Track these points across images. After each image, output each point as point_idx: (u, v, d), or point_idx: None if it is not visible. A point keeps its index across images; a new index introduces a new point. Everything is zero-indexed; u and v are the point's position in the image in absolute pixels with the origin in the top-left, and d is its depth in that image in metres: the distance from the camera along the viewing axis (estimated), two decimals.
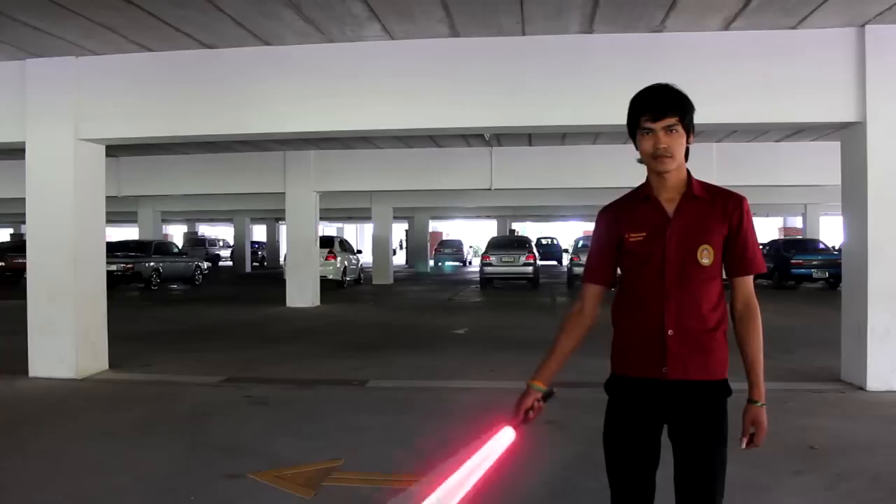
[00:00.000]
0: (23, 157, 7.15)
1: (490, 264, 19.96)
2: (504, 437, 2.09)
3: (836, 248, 18.94)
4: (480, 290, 19.84)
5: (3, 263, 20.63)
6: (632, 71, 6.28)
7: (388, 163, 14.17)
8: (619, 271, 2.22)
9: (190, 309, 14.85)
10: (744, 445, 2.10)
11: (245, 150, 14.28)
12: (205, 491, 3.90)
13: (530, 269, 19.94)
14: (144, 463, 4.38)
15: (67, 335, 7.00)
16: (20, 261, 18.72)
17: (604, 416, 2.20)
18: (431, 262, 32.84)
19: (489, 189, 14.54)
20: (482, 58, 6.61)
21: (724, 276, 2.15)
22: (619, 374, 2.17)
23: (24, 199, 7.20)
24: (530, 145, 13.72)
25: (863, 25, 6.12)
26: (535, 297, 17.54)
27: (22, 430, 5.24)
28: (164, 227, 29.97)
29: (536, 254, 20.75)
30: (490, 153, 13.97)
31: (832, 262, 17.83)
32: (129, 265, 18.43)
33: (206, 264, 24.33)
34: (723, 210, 2.09)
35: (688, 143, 2.09)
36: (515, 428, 2.10)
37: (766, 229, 36.42)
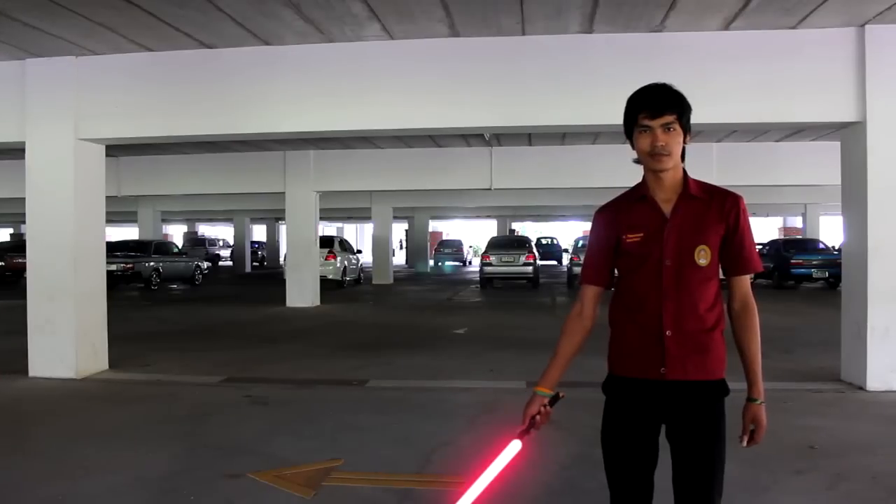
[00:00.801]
0: (23, 157, 7.15)
1: (490, 264, 19.97)
2: (511, 450, 2.11)
3: (836, 248, 18.94)
4: (480, 290, 19.84)
5: (3, 263, 20.63)
6: (631, 71, 6.29)
7: (388, 163, 14.17)
8: (616, 272, 2.21)
9: (190, 309, 14.85)
10: (744, 443, 2.10)
11: (245, 150, 14.29)
12: (205, 491, 3.90)
13: (530, 268, 19.94)
14: (144, 463, 4.37)
15: (67, 335, 7.00)
16: (20, 261, 18.73)
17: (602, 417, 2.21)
18: (431, 262, 32.85)
19: (489, 189, 14.54)
20: (482, 58, 6.61)
21: (722, 276, 2.15)
22: (617, 375, 2.16)
23: (24, 199, 7.20)
24: (530, 145, 13.72)
25: (863, 25, 6.12)
26: (535, 297, 17.54)
27: (22, 430, 5.24)
28: (164, 227, 29.98)
29: (536, 254, 20.75)
30: (490, 153, 13.97)
31: (832, 262, 17.83)
32: (129, 265, 18.44)
33: (206, 264, 24.34)
34: (720, 210, 2.08)
35: (685, 142, 2.09)
36: (521, 437, 2.12)
37: (766, 229, 36.41)
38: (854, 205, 6.55)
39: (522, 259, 19.98)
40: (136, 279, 18.87)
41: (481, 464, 2.11)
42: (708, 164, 12.72)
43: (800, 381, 6.75)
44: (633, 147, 2.11)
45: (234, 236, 33.17)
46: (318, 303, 14.88)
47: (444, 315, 13.39)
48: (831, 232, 25.94)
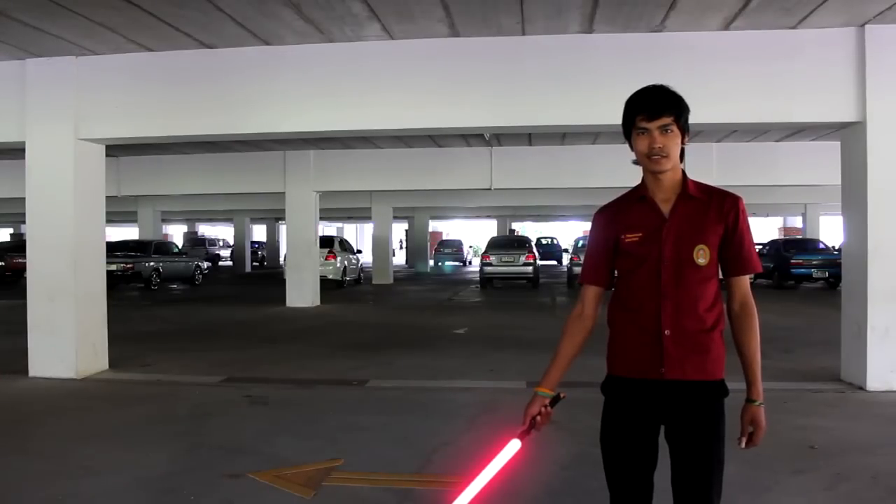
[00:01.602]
0: (23, 157, 7.15)
1: (490, 264, 19.97)
2: (510, 450, 2.12)
3: (836, 248, 18.94)
4: (480, 290, 19.84)
5: (3, 263, 20.63)
6: (632, 71, 6.29)
7: (388, 163, 14.17)
8: (615, 272, 2.22)
9: (190, 309, 14.85)
10: (743, 445, 2.10)
11: (245, 150, 14.29)
12: (205, 491, 3.90)
13: (530, 268, 19.94)
14: (144, 463, 4.37)
15: (67, 335, 7.00)
16: (20, 261, 18.73)
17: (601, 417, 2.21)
18: (431, 262, 32.85)
19: (489, 189, 14.54)
20: (482, 58, 6.61)
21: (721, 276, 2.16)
22: (616, 376, 2.16)
23: (24, 199, 7.20)
24: (530, 145, 13.72)
25: (863, 25, 6.12)
26: (535, 297, 17.54)
27: (22, 430, 5.24)
28: (164, 226, 29.98)
29: (536, 254, 20.75)
30: (490, 153, 13.97)
31: (832, 262, 17.83)
32: (129, 265, 18.44)
33: (206, 264, 24.35)
34: (718, 210, 2.09)
35: (683, 143, 2.09)
36: (522, 438, 2.12)
37: (766, 229, 36.42)
38: (854, 205, 6.55)
39: (522, 259, 19.98)
40: (136, 279, 18.87)
41: (481, 463, 2.12)
42: (708, 164, 12.73)
43: (800, 381, 6.75)
44: (632, 148, 2.12)
45: (234, 236, 33.17)
46: (318, 303, 14.88)
47: (445, 315, 13.39)
48: (831, 232, 25.94)
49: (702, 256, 2.05)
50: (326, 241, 18.87)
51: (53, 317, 7.03)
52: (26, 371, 7.01)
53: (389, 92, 6.76)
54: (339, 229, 45.09)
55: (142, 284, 19.23)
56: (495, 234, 26.79)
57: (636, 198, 2.16)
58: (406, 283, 23.35)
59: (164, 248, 20.91)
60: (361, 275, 22.79)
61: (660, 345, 2.05)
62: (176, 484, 4.00)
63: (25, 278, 7.78)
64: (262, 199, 21.01)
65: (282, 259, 20.98)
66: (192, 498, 3.80)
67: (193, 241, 36.92)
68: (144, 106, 7.06)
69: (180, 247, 24.45)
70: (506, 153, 13.94)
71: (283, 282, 15.15)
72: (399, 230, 40.73)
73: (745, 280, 2.13)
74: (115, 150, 12.60)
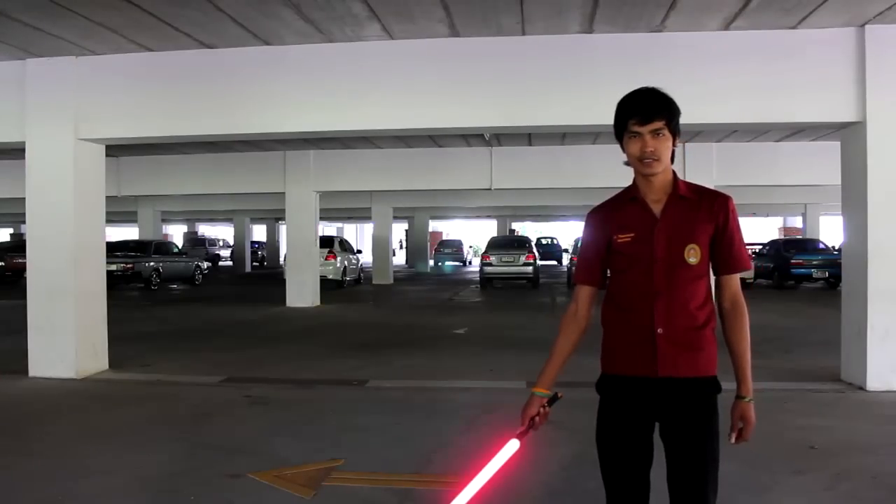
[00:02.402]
0: (23, 157, 7.15)
1: (490, 264, 19.97)
2: (509, 450, 2.14)
3: (836, 248, 18.94)
4: (480, 290, 19.84)
5: (3, 263, 20.64)
6: (632, 71, 6.28)
7: (388, 163, 14.17)
8: (608, 272, 2.25)
9: (190, 309, 14.85)
10: (733, 440, 2.13)
11: (245, 150, 14.29)
12: (205, 491, 3.90)
13: (530, 268, 19.95)
14: (145, 463, 4.37)
15: (67, 335, 7.00)
16: (20, 261, 18.73)
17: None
18: (431, 262, 32.84)
19: (489, 189, 14.54)
20: (482, 58, 6.60)
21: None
22: (610, 374, 2.19)
23: (24, 199, 7.20)
24: (530, 145, 13.72)
25: (863, 25, 6.12)
26: (535, 297, 17.54)
27: (22, 430, 5.24)
28: (164, 227, 29.98)
29: (536, 254, 20.75)
30: (490, 153, 13.97)
31: (832, 262, 17.82)
32: (129, 265, 18.44)
33: (206, 264, 24.35)
34: (709, 210, 2.12)
35: (674, 146, 2.12)
36: (521, 438, 2.15)
37: (766, 229, 36.42)
38: (854, 205, 6.55)
39: (522, 259, 19.98)
40: (136, 279, 18.88)
41: (480, 463, 2.12)
42: (708, 164, 12.71)
43: (800, 381, 6.76)
44: (623, 150, 2.15)
45: (234, 236, 33.19)
46: (318, 303, 14.88)
47: (445, 315, 13.39)
48: (831, 232, 25.94)
49: (693, 256, 2.08)
50: (326, 242, 18.87)
51: (53, 317, 7.03)
52: (26, 371, 7.01)
53: (389, 92, 6.76)
54: (339, 229, 45.10)
55: (142, 284, 19.23)
56: (495, 234, 26.79)
57: (628, 198, 2.19)
58: (406, 283, 23.35)
59: (164, 248, 20.91)
60: (361, 275, 22.79)
61: (653, 343, 2.08)
62: (176, 484, 4.00)
63: (25, 278, 7.78)
64: (262, 199, 21.01)
65: (282, 259, 20.98)
66: (192, 498, 3.80)
67: (193, 241, 36.92)
68: (144, 106, 7.05)
69: (180, 247, 24.44)
70: (506, 153, 13.94)
71: (283, 282, 15.16)
72: (399, 230, 40.72)
73: (736, 278, 2.16)
74: (115, 150, 12.60)
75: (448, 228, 48.53)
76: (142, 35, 6.46)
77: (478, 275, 21.42)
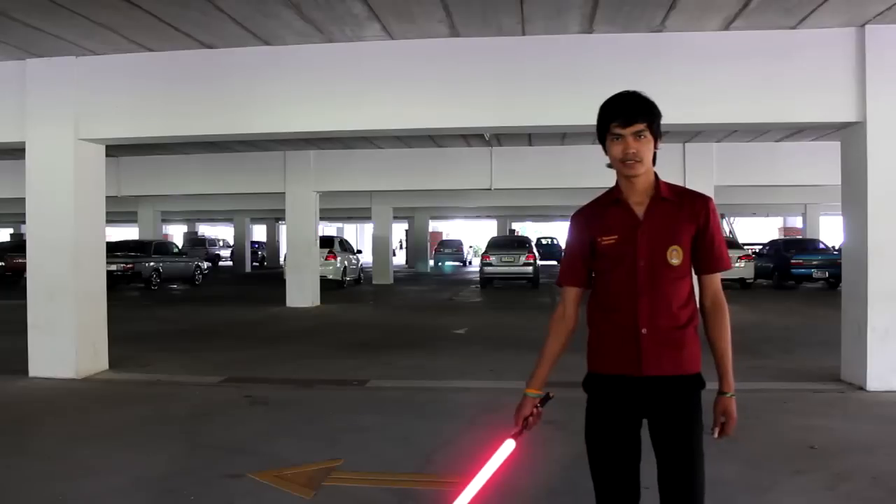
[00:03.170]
0: (23, 157, 7.15)
1: (490, 264, 19.97)
2: (505, 450, 2.17)
3: (836, 248, 18.94)
4: (480, 290, 19.84)
5: (3, 263, 20.63)
6: (631, 71, 6.29)
7: (388, 163, 14.17)
8: (593, 273, 2.28)
9: (190, 309, 14.85)
10: (716, 435, 2.17)
11: (245, 150, 14.29)
12: (205, 491, 3.90)
13: (530, 269, 19.95)
14: (144, 463, 4.38)
15: (67, 335, 7.00)
16: (20, 261, 18.72)
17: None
18: (431, 262, 32.84)
19: (489, 189, 14.53)
20: (482, 58, 6.60)
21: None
22: (596, 372, 2.23)
23: (24, 199, 7.20)
24: (530, 145, 13.72)
25: (863, 25, 6.12)
26: (535, 297, 17.54)
27: (22, 430, 5.24)
28: (164, 227, 29.97)
29: (536, 254, 20.76)
30: (490, 153, 13.97)
31: (832, 262, 17.82)
32: (129, 265, 18.43)
33: (206, 264, 24.33)
34: (690, 211, 2.17)
35: (655, 148, 2.16)
36: (516, 438, 2.19)
37: (766, 229, 36.42)
38: (854, 205, 6.55)
39: (522, 259, 19.99)
40: (136, 279, 18.87)
41: (477, 464, 2.12)
42: (708, 164, 12.71)
43: (800, 381, 6.76)
44: (606, 153, 2.19)
45: (234, 236, 33.18)
46: (318, 303, 14.88)
47: (445, 315, 13.39)
48: (831, 232, 25.94)
49: (675, 256, 2.13)
50: (326, 242, 18.87)
51: (53, 317, 7.03)
52: (26, 371, 7.01)
53: (389, 92, 6.76)
54: (339, 229, 45.09)
55: (142, 284, 19.22)
56: (495, 235, 26.79)
57: (611, 200, 2.23)
58: (406, 283, 23.35)
59: (164, 248, 20.90)
60: (361, 275, 22.78)
61: (637, 342, 2.12)
62: (176, 484, 4.00)
63: (25, 278, 7.78)
64: (262, 199, 21.01)
65: (282, 259, 20.98)
66: (192, 498, 3.80)
67: (193, 241, 36.88)
68: (144, 106, 7.05)
69: (180, 247, 24.43)
70: (506, 153, 13.93)
71: (283, 282, 15.15)
72: (399, 230, 40.71)
73: (717, 277, 2.21)
74: (115, 150, 12.59)
75: (448, 228, 48.52)
76: (142, 35, 6.46)
77: (478, 275, 21.42)
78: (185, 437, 4.96)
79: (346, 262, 20.52)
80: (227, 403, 6.04)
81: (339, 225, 45.86)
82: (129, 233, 31.61)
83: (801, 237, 24.51)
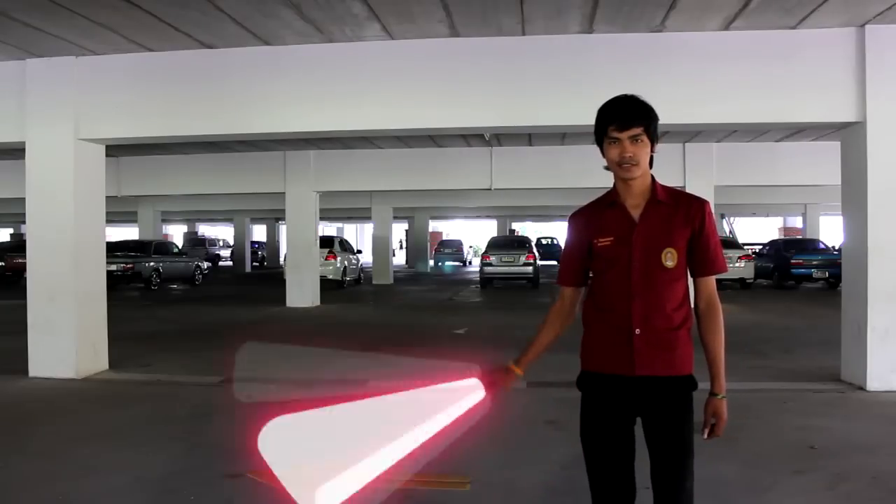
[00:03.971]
0: (23, 157, 7.15)
1: (490, 264, 19.96)
2: (472, 390, 2.21)
3: (836, 248, 18.94)
4: (480, 290, 19.83)
5: (3, 263, 20.62)
6: (631, 71, 6.29)
7: (388, 163, 14.17)
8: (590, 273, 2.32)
9: (190, 309, 14.85)
10: (705, 436, 2.19)
11: (245, 150, 14.28)
12: (205, 491, 3.91)
13: (530, 268, 19.95)
14: (144, 463, 4.38)
15: (67, 335, 7.00)
16: (20, 261, 18.72)
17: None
18: (431, 262, 32.83)
19: (489, 189, 14.53)
20: (482, 58, 6.60)
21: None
22: (589, 371, 2.27)
23: (24, 199, 7.20)
24: (530, 145, 13.72)
25: (863, 25, 6.12)
26: (535, 297, 17.53)
27: (22, 430, 5.24)
28: (164, 227, 29.97)
29: (536, 254, 20.76)
30: (490, 153, 13.97)
31: (832, 262, 17.82)
32: (129, 265, 18.43)
33: (206, 264, 24.33)
34: (685, 214, 2.19)
35: (652, 152, 2.19)
36: (487, 391, 2.25)
37: (766, 229, 36.41)
38: (854, 205, 6.55)
39: (522, 259, 19.98)
40: (136, 279, 18.85)
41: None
42: (708, 164, 12.71)
43: (800, 381, 6.76)
44: (603, 155, 2.22)
45: (234, 236, 33.17)
46: (318, 303, 14.88)
47: (445, 315, 13.38)
48: (831, 232, 25.94)
49: (669, 259, 2.15)
50: (326, 242, 18.86)
51: (53, 317, 7.03)
52: (26, 371, 7.01)
53: (389, 92, 6.76)
54: (339, 229, 45.08)
55: (142, 284, 19.21)
56: (495, 235, 26.78)
57: (607, 203, 2.27)
58: (406, 283, 23.35)
59: (164, 248, 20.89)
60: (361, 275, 22.78)
61: (630, 343, 2.15)
62: (176, 484, 4.00)
63: (25, 278, 7.78)
64: (262, 199, 21.00)
65: (282, 259, 20.98)
66: (192, 498, 3.80)
67: (193, 241, 36.87)
68: (144, 106, 7.05)
69: (180, 247, 24.43)
70: (506, 153, 13.93)
71: (283, 282, 15.14)
72: (399, 230, 40.71)
73: (712, 280, 2.23)
74: (115, 150, 12.60)
75: (448, 228, 48.52)
76: (142, 35, 6.46)
77: (478, 275, 21.41)
78: (185, 437, 4.96)
79: (346, 262, 20.51)
80: (227, 403, 6.03)
81: (339, 225, 45.85)
82: (129, 233, 31.60)
83: (801, 237, 24.50)
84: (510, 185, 14.84)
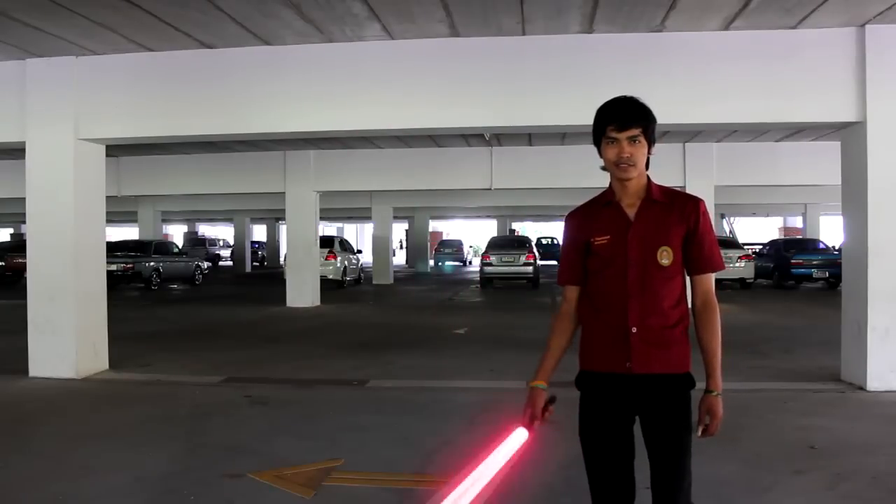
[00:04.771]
0: (23, 157, 7.15)
1: (490, 264, 19.98)
2: (517, 438, 2.18)
3: (836, 248, 18.93)
4: (480, 290, 19.84)
5: (3, 263, 20.62)
6: (632, 71, 6.30)
7: (388, 163, 14.17)
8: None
9: (190, 309, 14.85)
10: (699, 433, 2.19)
11: (245, 150, 14.29)
12: (205, 491, 3.90)
13: (530, 268, 19.97)
14: (144, 463, 4.37)
15: (67, 335, 7.00)
16: (20, 261, 18.72)
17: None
18: (431, 262, 32.84)
19: (489, 189, 14.54)
20: (482, 58, 6.60)
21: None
22: (588, 370, 2.28)
23: (24, 199, 7.20)
24: (530, 145, 13.72)
25: (863, 25, 6.12)
26: (535, 297, 17.54)
27: (22, 430, 5.24)
28: (164, 227, 29.97)
29: (536, 254, 20.78)
30: (490, 153, 13.97)
31: (832, 262, 17.82)
32: (129, 265, 18.43)
33: (206, 264, 24.34)
34: (681, 213, 2.21)
35: (649, 153, 2.21)
36: (528, 428, 2.22)
37: (766, 229, 36.41)
38: (854, 205, 6.55)
39: (522, 259, 20.00)
40: (136, 279, 18.86)
41: (485, 455, 2.11)
42: (708, 164, 12.72)
43: (800, 381, 6.76)
44: (601, 155, 2.24)
45: (234, 236, 33.18)
46: (318, 303, 14.88)
47: (445, 315, 13.39)
48: (831, 232, 25.93)
49: (665, 257, 2.17)
50: (326, 241, 18.86)
51: (53, 317, 7.03)
52: (26, 371, 7.01)
53: (389, 92, 6.75)
54: (339, 229, 45.08)
55: (142, 284, 19.21)
56: (495, 234, 26.78)
57: (604, 202, 2.29)
58: (406, 283, 23.35)
59: (164, 248, 20.89)
60: (361, 275, 22.78)
61: (627, 341, 2.17)
62: (176, 484, 4.00)
63: (25, 278, 7.78)
64: (262, 199, 21.01)
65: (282, 259, 20.97)
66: (192, 498, 3.80)
67: (193, 241, 36.89)
68: (144, 106, 7.05)
69: (180, 247, 24.43)
70: (506, 153, 13.93)
71: (283, 282, 15.15)
72: (399, 230, 40.70)
73: (708, 278, 2.24)
74: (115, 150, 12.60)
75: (448, 228, 48.51)
76: (142, 35, 6.46)
77: (478, 275, 21.42)
78: (184, 437, 4.96)
79: (346, 262, 20.52)
80: (227, 403, 6.04)
81: (339, 225, 45.84)
82: (129, 233, 31.61)
83: (801, 237, 24.50)
84: (510, 185, 14.85)
